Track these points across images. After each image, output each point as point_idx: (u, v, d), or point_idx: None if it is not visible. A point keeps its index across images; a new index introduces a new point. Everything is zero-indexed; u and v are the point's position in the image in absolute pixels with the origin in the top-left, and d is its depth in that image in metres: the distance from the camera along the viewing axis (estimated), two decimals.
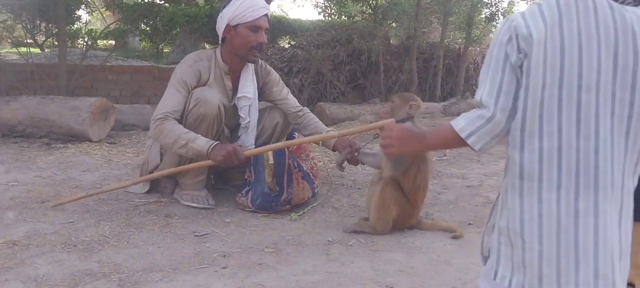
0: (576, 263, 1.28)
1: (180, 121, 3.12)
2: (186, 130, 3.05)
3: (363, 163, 3.09)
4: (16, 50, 6.87)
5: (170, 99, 3.15)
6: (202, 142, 2.98)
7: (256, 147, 3.38)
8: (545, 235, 1.30)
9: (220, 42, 3.32)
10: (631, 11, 1.30)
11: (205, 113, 3.11)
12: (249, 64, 3.33)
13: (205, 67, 3.26)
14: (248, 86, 3.33)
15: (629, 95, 1.28)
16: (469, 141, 1.39)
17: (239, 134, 3.42)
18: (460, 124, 1.41)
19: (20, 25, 7.21)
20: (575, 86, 1.28)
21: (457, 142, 1.41)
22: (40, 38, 8.03)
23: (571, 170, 1.29)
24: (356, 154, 3.01)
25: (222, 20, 3.22)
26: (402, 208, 2.84)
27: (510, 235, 1.36)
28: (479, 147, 1.40)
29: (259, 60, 3.42)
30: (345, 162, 3.07)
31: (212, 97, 3.13)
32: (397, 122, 2.79)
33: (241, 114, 3.34)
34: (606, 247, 1.28)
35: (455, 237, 2.83)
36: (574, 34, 1.28)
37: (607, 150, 1.28)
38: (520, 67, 1.33)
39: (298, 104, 3.51)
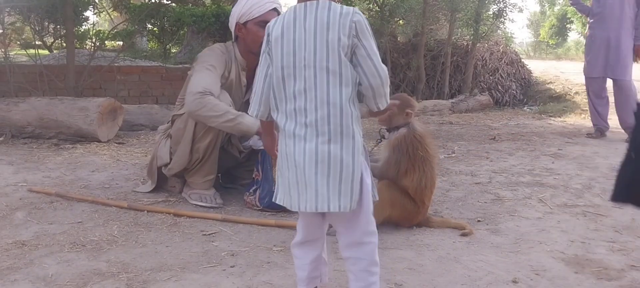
0: (305, 186, 1.81)
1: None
2: (230, 104, 3.08)
3: None
4: (25, 52, 6.91)
5: (205, 78, 3.08)
6: (250, 121, 2.97)
7: None
8: (289, 168, 1.85)
9: (233, 40, 3.32)
10: (335, 8, 1.80)
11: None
12: None
13: (226, 60, 3.27)
14: None
15: (338, 67, 1.79)
16: (255, 115, 1.96)
17: None
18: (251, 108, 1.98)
19: (28, 27, 7.26)
20: (302, 66, 1.81)
21: (264, 123, 2.02)
22: (49, 39, 8.08)
23: (302, 124, 1.82)
24: None
25: (232, 19, 3.23)
26: (403, 208, 2.82)
27: (280, 169, 1.90)
28: (256, 114, 1.96)
29: None
30: None
31: (225, 99, 3.13)
32: (395, 127, 2.78)
33: None
34: (323, 175, 1.79)
35: (464, 234, 2.81)
36: (302, 31, 1.81)
37: (323, 109, 1.79)
38: (268, 53, 1.89)
39: None
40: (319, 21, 1.81)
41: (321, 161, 1.81)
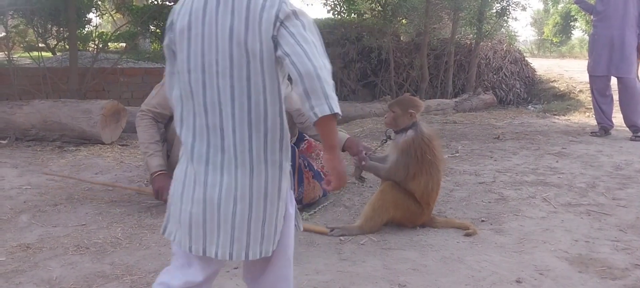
0: (218, 228, 1.46)
1: (164, 115, 3.23)
2: (155, 139, 3.19)
3: (368, 170, 2.96)
4: (28, 55, 6.92)
5: (155, 96, 3.28)
6: (154, 163, 3.13)
7: None
8: (195, 200, 1.46)
9: None
10: None
11: None
12: None
13: None
14: None
15: (261, 79, 1.41)
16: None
17: None
18: None
19: (32, 30, 7.26)
20: (214, 72, 1.41)
21: None
22: (52, 42, 8.08)
23: (217, 147, 1.45)
24: (364, 163, 2.90)
25: None
26: (407, 209, 2.82)
27: (175, 197, 1.53)
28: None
29: None
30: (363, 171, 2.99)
31: None
32: (402, 130, 2.77)
33: None
34: (243, 216, 1.45)
35: (468, 234, 2.81)
36: (213, 25, 1.40)
37: (243, 130, 1.43)
38: (171, 48, 1.50)
39: None
40: (236, 15, 1.39)
41: (241, 199, 1.44)
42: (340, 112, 1.37)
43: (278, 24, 1.38)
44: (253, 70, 1.40)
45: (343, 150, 3.17)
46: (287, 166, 1.52)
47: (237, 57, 1.39)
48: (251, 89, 1.41)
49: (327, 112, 1.34)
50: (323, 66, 1.35)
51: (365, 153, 2.93)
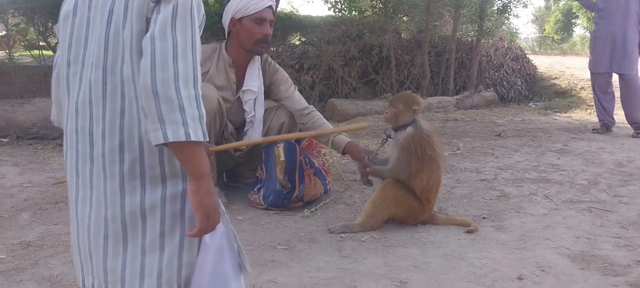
0: (90, 254, 1.23)
1: None
2: None
3: (373, 176, 2.98)
4: (29, 53, 6.92)
5: None
6: None
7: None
8: (73, 222, 1.25)
9: (226, 35, 3.32)
10: None
11: (206, 108, 3.10)
12: (256, 58, 3.32)
13: (206, 58, 3.29)
14: (253, 80, 3.31)
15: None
16: (52, 120, 1.40)
17: (246, 129, 3.40)
18: None
19: (32, 29, 7.27)
20: (90, 63, 1.17)
21: None
22: (53, 40, 8.09)
23: (86, 156, 1.19)
24: (368, 169, 2.92)
25: (227, 14, 3.23)
26: (408, 206, 2.82)
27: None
28: (52, 118, 1.38)
29: (268, 58, 3.43)
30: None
31: (210, 92, 3.13)
32: (400, 127, 2.77)
33: (245, 108, 3.32)
34: (116, 241, 1.19)
35: (469, 232, 2.80)
36: (96, 9, 1.17)
37: (114, 136, 1.16)
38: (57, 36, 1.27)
39: (305, 104, 3.38)
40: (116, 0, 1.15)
41: (112, 220, 1.18)
42: (182, 138, 1.09)
43: (152, 4, 1.12)
44: (126, 64, 1.14)
45: (343, 154, 3.18)
46: (177, 185, 1.21)
47: (113, 44, 1.14)
48: (125, 85, 1.15)
49: (161, 140, 1.08)
50: (170, 78, 1.07)
51: (368, 158, 2.93)
